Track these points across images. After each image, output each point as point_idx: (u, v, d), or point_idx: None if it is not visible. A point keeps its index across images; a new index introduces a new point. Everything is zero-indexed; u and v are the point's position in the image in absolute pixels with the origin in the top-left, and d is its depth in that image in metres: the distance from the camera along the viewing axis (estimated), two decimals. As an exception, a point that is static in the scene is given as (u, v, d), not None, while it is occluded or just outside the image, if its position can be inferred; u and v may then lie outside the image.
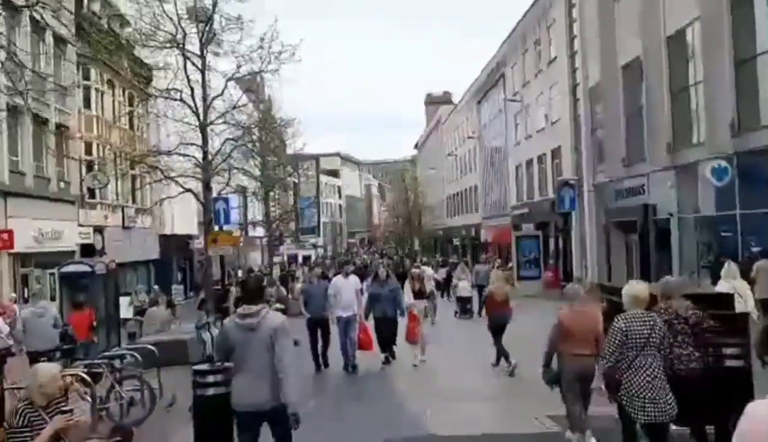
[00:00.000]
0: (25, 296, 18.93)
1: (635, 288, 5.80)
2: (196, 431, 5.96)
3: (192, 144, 14.02)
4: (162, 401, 9.26)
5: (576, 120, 27.99)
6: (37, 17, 19.60)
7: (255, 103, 29.74)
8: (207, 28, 13.34)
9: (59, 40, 22.33)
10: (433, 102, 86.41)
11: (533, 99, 34.08)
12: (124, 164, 21.02)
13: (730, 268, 10.42)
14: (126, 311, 17.55)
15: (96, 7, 25.23)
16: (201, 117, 13.27)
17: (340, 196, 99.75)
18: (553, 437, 7.36)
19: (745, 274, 14.91)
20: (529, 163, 35.46)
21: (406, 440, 7.77)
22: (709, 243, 18.03)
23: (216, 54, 14.69)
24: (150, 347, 10.04)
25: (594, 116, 25.69)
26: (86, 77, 24.58)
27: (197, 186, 14.75)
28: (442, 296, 24.47)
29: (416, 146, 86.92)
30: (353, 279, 12.64)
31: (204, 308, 14.26)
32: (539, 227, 32.44)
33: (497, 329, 11.61)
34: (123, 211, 26.35)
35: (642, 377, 5.35)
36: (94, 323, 16.06)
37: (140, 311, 16.71)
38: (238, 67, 14.37)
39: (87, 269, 14.96)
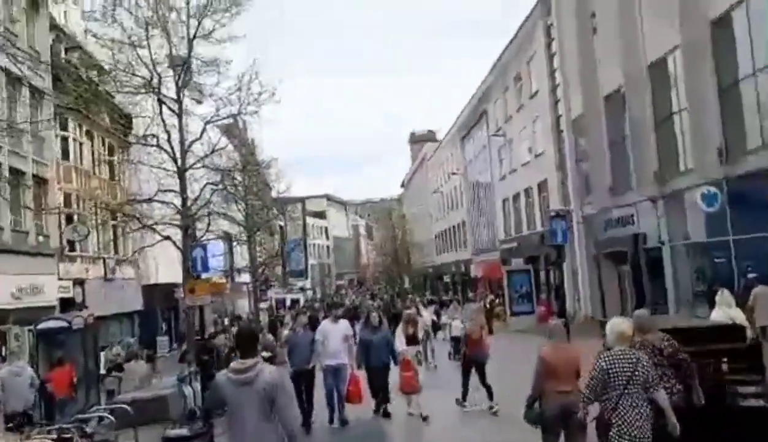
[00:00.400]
0: (3, 354, 18.24)
1: (619, 325, 5.71)
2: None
3: (170, 190, 13.59)
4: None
5: (560, 152, 27.93)
6: (13, 69, 19.38)
7: (237, 147, 29.51)
8: (183, 72, 13.02)
9: (35, 91, 22.02)
10: (417, 141, 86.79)
11: (516, 133, 34.08)
12: (104, 215, 20.52)
13: (723, 295, 10.22)
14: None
15: (74, 57, 24.97)
16: (179, 162, 12.86)
17: (327, 238, 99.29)
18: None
19: (743, 300, 14.66)
20: (516, 197, 35.31)
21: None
22: (703, 271, 17.73)
23: (194, 100, 14.40)
24: (125, 406, 9.43)
25: (578, 148, 25.60)
26: (64, 128, 24.21)
27: (178, 233, 14.31)
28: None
29: (402, 185, 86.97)
30: (343, 324, 11.61)
31: (186, 359, 13.65)
32: (529, 261, 32.10)
33: (476, 368, 11.58)
34: (104, 262, 25.74)
35: (629, 416, 5.30)
36: (75, 380, 15.46)
37: (115, 366, 16.04)
38: (217, 110, 14.07)
39: (64, 324, 14.36)
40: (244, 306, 44.45)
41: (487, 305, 29.27)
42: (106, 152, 26.63)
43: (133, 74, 12.87)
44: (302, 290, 70.77)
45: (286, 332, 14.59)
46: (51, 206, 22.11)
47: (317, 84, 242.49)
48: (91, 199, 22.60)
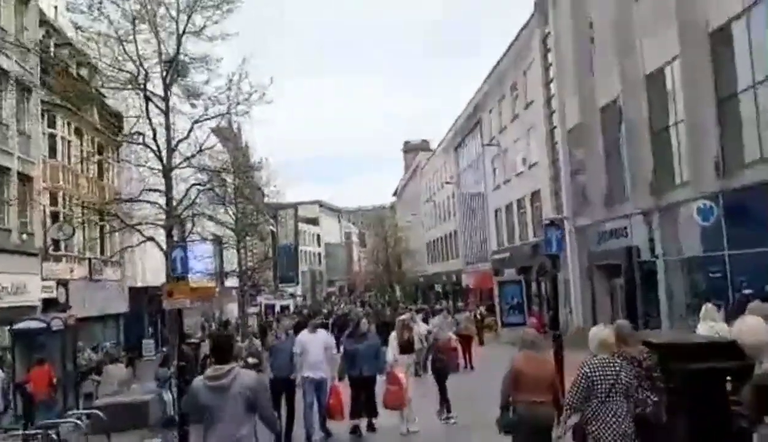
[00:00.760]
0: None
1: (600, 333, 5.70)
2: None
3: (156, 190, 13.23)
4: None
5: (555, 163, 27.71)
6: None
7: (231, 151, 29.16)
8: (170, 69, 12.68)
9: (23, 87, 21.65)
10: (410, 150, 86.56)
11: (511, 143, 33.86)
12: (91, 214, 20.10)
13: (707, 310, 9.94)
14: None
15: (63, 53, 24.58)
16: (165, 161, 12.50)
17: (319, 244, 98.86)
18: None
19: (737, 316, 14.41)
20: (509, 207, 35.07)
21: None
22: (698, 285, 17.45)
23: (186, 97, 14.06)
24: (97, 411, 9.04)
25: (573, 159, 25.37)
26: (52, 125, 23.80)
27: (164, 235, 13.92)
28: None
29: (395, 193, 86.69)
30: (322, 334, 10.90)
31: (167, 365, 13.25)
32: (521, 272, 31.84)
33: (439, 377, 11.54)
34: (90, 263, 25.27)
35: (609, 425, 5.25)
36: (54, 380, 15.05)
37: (89, 370, 15.60)
38: (206, 109, 13.72)
39: (42, 325, 13.95)
40: (233, 311, 43.96)
41: (478, 316, 28.94)
42: (95, 151, 26.18)
43: (119, 69, 12.52)
44: (293, 296, 70.33)
45: (256, 341, 14.01)
46: (36, 204, 21.69)
47: (313, 87, 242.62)
48: (78, 199, 22.17)
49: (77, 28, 12.95)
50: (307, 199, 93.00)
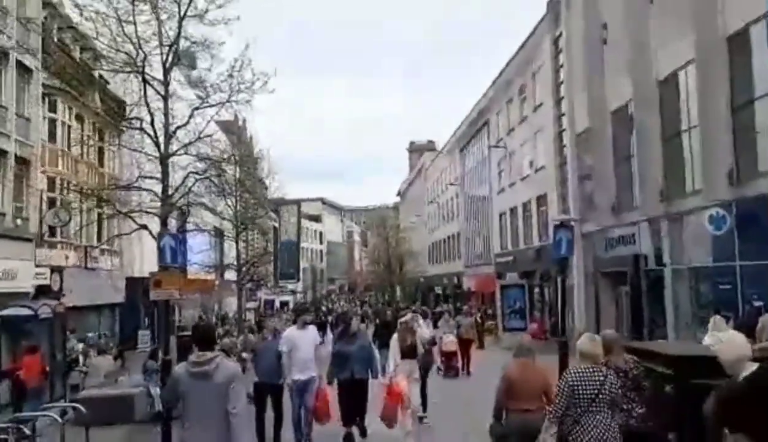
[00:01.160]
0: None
1: (585, 343, 5.66)
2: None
3: (152, 177, 12.81)
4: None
5: (562, 167, 27.27)
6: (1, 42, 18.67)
7: (236, 145, 28.76)
8: (171, 53, 12.27)
9: (24, 69, 21.28)
10: (416, 150, 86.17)
11: (517, 146, 33.44)
12: (89, 201, 19.69)
13: (715, 322, 10.23)
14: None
15: (66, 37, 24.23)
16: (162, 148, 12.09)
17: (321, 242, 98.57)
18: None
19: (749, 329, 13.95)
20: (514, 210, 34.63)
21: None
22: (706, 296, 16.98)
23: (182, 83, 13.66)
24: (77, 405, 8.62)
25: (581, 163, 24.92)
26: (52, 109, 23.41)
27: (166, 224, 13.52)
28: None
29: (399, 194, 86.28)
30: (312, 331, 9.97)
31: (156, 357, 12.82)
32: (524, 276, 31.42)
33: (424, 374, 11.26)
34: (86, 251, 24.87)
35: (590, 434, 5.21)
36: (47, 368, 14.67)
37: (72, 361, 15.19)
38: (207, 96, 13.28)
39: (29, 312, 13.55)
40: (232, 305, 43.60)
41: (479, 319, 28.50)
42: (96, 137, 25.78)
43: (117, 50, 12.11)
44: (293, 292, 69.95)
45: (251, 337, 13.17)
46: (33, 189, 21.31)
47: (317, 86, 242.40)
48: (77, 185, 21.76)
49: (76, 5, 12.48)
50: (310, 197, 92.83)
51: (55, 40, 23.43)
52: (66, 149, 23.77)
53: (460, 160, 48.96)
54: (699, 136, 16.62)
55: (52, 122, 23.49)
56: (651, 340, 17.02)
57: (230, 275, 33.96)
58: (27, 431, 7.55)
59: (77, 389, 13.54)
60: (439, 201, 57.66)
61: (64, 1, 22.22)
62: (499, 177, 37.42)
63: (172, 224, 14.40)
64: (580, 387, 5.35)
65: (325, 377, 9.79)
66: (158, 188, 12.49)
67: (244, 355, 12.64)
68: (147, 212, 12.81)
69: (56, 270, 21.89)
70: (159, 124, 12.33)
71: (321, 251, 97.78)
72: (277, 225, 69.22)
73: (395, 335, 10.53)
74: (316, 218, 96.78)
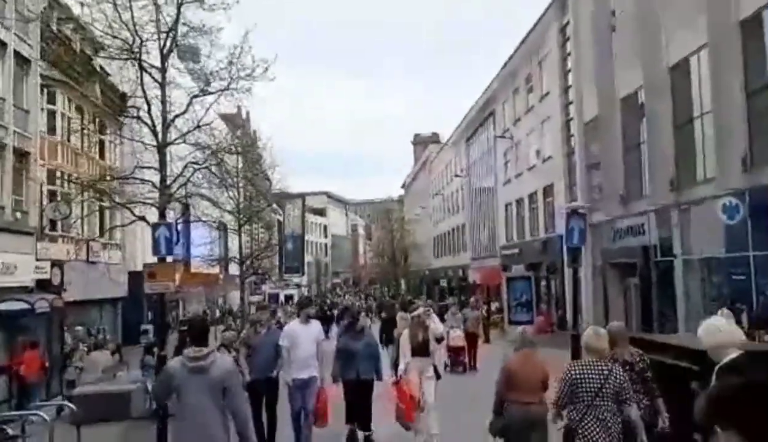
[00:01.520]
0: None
1: (589, 336, 5.59)
2: None
3: (149, 167, 12.46)
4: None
5: (569, 156, 26.84)
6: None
7: (241, 138, 28.43)
8: (169, 39, 11.90)
9: (22, 59, 20.95)
10: (420, 142, 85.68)
11: (524, 136, 33.00)
12: (89, 193, 19.34)
13: (723, 314, 10.14)
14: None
15: (67, 28, 23.87)
16: (159, 137, 11.74)
17: (326, 236, 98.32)
18: None
19: (760, 321, 13.57)
20: (520, 201, 34.21)
21: None
22: (718, 287, 16.58)
23: (180, 70, 13.31)
24: (66, 403, 8.30)
25: (589, 152, 24.48)
26: (51, 101, 23.07)
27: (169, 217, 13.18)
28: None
29: (404, 186, 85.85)
30: (315, 327, 9.05)
31: (152, 354, 12.47)
32: (530, 268, 31.03)
33: None
34: (87, 244, 24.57)
35: (594, 429, 5.16)
36: (47, 364, 14.40)
37: (66, 356, 14.88)
38: (206, 83, 12.91)
39: (25, 306, 13.24)
40: (236, 298, 43.34)
41: (484, 313, 28.11)
42: (97, 129, 25.44)
43: (114, 36, 11.74)
44: (298, 286, 69.73)
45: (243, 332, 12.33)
46: (33, 181, 21.01)
47: (321, 81, 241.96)
48: (77, 177, 21.43)
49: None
50: (314, 190, 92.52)
51: (55, 30, 23.08)
52: (66, 141, 23.45)
53: (465, 151, 48.52)
54: (712, 123, 16.19)
55: (51, 114, 23.15)
56: (661, 333, 16.65)
57: (235, 269, 33.65)
58: (10, 431, 7.22)
59: (73, 386, 13.24)
60: (444, 193, 57.24)
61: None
62: (505, 168, 36.99)
63: (171, 215, 14.01)
64: (582, 381, 5.28)
65: (327, 377, 9.07)
66: (157, 179, 12.13)
67: (223, 352, 11.75)
68: (143, 203, 12.47)
69: (57, 264, 21.59)
70: (157, 113, 11.94)
71: (325, 245, 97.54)
72: (281, 219, 68.98)
73: (405, 332, 9.72)
74: (321, 212, 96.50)
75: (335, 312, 32.20)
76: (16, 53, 20.41)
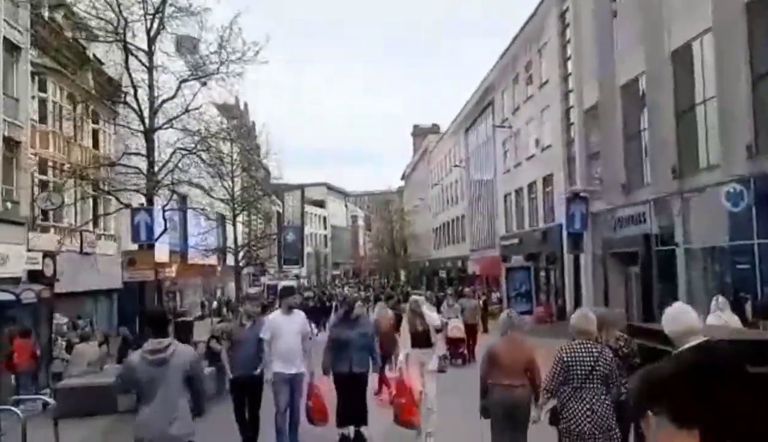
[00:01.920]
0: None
1: (578, 319, 5.62)
2: None
3: (137, 153, 12.11)
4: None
5: (569, 145, 26.46)
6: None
7: (236, 128, 28.01)
8: (155, 19, 11.53)
9: (11, 46, 20.54)
10: (420, 133, 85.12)
11: (523, 124, 32.61)
12: (80, 182, 18.95)
13: (718, 301, 10.13)
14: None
15: (58, 15, 23.43)
16: (147, 122, 11.38)
17: (325, 227, 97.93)
18: None
19: (765, 311, 13.24)
20: (519, 191, 33.86)
21: None
22: (722, 276, 16.24)
23: (170, 55, 12.93)
24: (44, 398, 7.98)
25: (590, 140, 24.11)
26: (42, 89, 22.65)
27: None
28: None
29: (403, 177, 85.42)
30: (298, 318, 8.36)
31: (128, 346, 12.07)
32: (529, 259, 30.70)
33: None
34: (81, 235, 24.20)
35: (582, 410, 5.17)
36: (38, 353, 14.09)
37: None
38: (195, 67, 12.55)
39: (10, 297, 12.91)
40: (234, 289, 43.06)
41: (480, 304, 27.74)
42: (90, 118, 25.01)
43: (99, 18, 11.37)
44: (297, 277, 69.45)
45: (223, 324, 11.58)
46: (24, 171, 20.62)
47: (322, 72, 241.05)
48: (70, 167, 21.05)
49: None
50: (314, 181, 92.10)
51: (46, 16, 22.64)
52: (58, 130, 23.04)
53: (464, 141, 48.11)
54: (715, 109, 15.80)
55: (43, 102, 22.72)
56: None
57: (232, 260, 33.30)
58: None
59: (59, 378, 12.93)
60: (443, 184, 56.87)
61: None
62: (504, 157, 36.62)
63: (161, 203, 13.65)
64: (574, 363, 5.29)
65: (318, 371, 8.37)
66: (145, 166, 11.78)
67: (213, 344, 11.36)
68: (127, 190, 12.13)
69: (49, 255, 21.21)
70: (144, 98, 11.58)
71: (325, 236, 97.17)
72: (280, 210, 68.67)
73: (405, 320, 9.10)
74: (320, 203, 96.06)
75: (334, 303, 31.87)
76: (6, 40, 19.96)
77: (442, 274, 56.46)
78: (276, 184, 40.79)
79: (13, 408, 7.35)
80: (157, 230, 11.51)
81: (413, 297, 9.83)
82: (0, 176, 19.80)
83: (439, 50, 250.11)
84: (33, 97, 22.06)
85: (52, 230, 22.53)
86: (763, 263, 14.29)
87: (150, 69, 11.51)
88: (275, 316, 8.45)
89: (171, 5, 11.78)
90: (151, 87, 11.48)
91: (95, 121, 25.71)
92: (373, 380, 9.25)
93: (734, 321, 9.91)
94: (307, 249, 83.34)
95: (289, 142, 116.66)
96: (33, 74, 21.89)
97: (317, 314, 25.66)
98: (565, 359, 5.34)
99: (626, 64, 20.50)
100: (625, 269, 21.62)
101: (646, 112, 19.61)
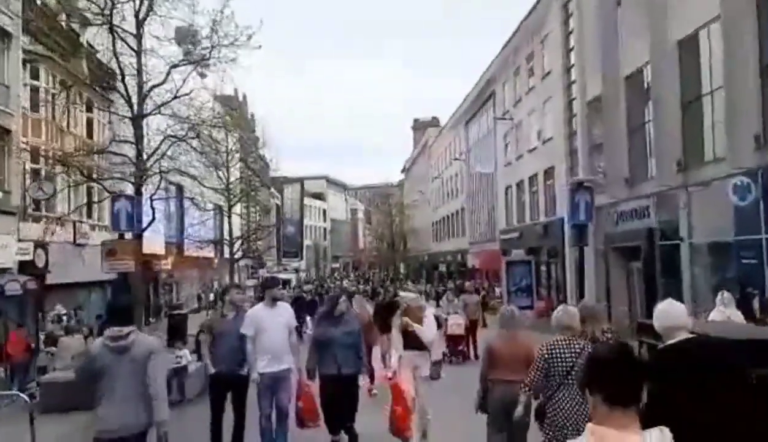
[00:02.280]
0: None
1: (564, 313, 5.59)
2: None
3: (125, 141, 11.71)
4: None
5: (571, 137, 26.03)
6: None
7: (236, 120, 27.59)
8: (143, 2, 11.11)
9: (2, 33, 20.10)
10: (420, 127, 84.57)
11: (524, 116, 32.15)
12: (71, 172, 18.52)
13: (723, 297, 9.97)
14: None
15: (51, 2, 22.93)
16: (135, 108, 10.97)
17: (325, 220, 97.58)
18: None
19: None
20: (520, 184, 33.44)
21: None
22: (729, 272, 15.83)
23: (160, 39, 12.52)
24: (19, 393, 7.61)
25: (592, 132, 23.68)
26: (35, 77, 22.19)
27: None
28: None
29: (403, 171, 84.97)
30: (284, 311, 7.78)
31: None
32: (530, 253, 30.30)
33: None
34: (74, 225, 23.79)
35: (566, 407, 5.10)
36: (32, 345, 13.80)
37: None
38: (186, 52, 12.13)
39: (-6, 288, 12.54)
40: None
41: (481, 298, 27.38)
42: (84, 107, 24.56)
43: (88, -1, 10.98)
44: (296, 270, 69.18)
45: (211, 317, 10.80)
46: (15, 160, 20.19)
47: (324, 66, 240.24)
48: (62, 156, 20.61)
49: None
50: (314, 174, 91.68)
51: (38, 1, 22.16)
52: (51, 119, 22.59)
53: (464, 134, 47.66)
54: (722, 100, 15.38)
55: (35, 90, 22.26)
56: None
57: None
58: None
59: (44, 372, 12.56)
60: (443, 177, 56.46)
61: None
62: (505, 150, 36.20)
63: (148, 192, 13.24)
64: (555, 359, 5.23)
65: (304, 370, 7.67)
66: (134, 153, 11.38)
67: (202, 337, 10.50)
68: (113, 178, 11.74)
69: (41, 246, 20.83)
70: (132, 83, 11.17)
71: (325, 229, 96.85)
72: (279, 203, 68.34)
73: (396, 322, 8.21)
74: (320, 196, 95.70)
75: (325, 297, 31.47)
76: (-4, 25, 19.57)
77: (442, 268, 56.16)
78: (275, 177, 40.38)
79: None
80: (146, 219, 11.16)
81: (406, 295, 8.71)
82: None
83: (439, 47, 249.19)
84: (25, 85, 21.63)
85: (44, 220, 22.11)
86: (771, 258, 13.91)
87: (138, 53, 11.08)
88: (257, 309, 7.81)
89: (160, -13, 11.34)
90: (139, 72, 11.06)
91: (89, 110, 25.26)
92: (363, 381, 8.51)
93: (737, 317, 9.72)
94: (307, 242, 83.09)
95: (289, 136, 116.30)
96: (25, 61, 21.46)
97: (314, 307, 25.27)
98: (546, 355, 5.29)
99: (630, 55, 20.06)
100: (627, 264, 21.23)
101: (650, 104, 19.18)
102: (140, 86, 11.11)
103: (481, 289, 30.78)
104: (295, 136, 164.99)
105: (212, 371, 7.67)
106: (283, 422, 7.49)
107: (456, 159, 49.42)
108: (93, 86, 17.50)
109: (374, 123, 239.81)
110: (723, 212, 15.25)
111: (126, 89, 10.99)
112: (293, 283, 53.48)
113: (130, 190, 12.39)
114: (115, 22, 11.02)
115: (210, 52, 11.97)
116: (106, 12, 10.91)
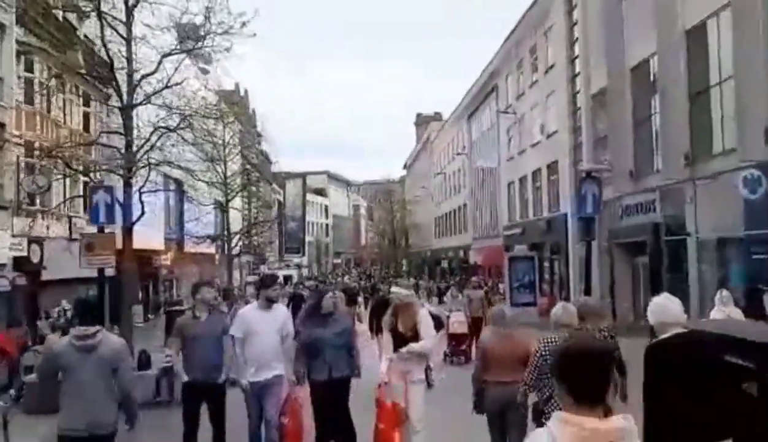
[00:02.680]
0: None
1: (561, 311, 5.56)
2: None
3: (115, 132, 11.34)
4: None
5: (575, 131, 25.58)
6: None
7: (235, 114, 27.18)
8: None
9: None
10: (422, 122, 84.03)
11: (528, 110, 31.72)
12: (60, 164, 18.08)
13: (722, 295, 9.69)
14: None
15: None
16: (125, 98, 10.60)
17: (327, 216, 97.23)
18: None
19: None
20: (523, 179, 33.03)
21: None
22: (737, 268, 15.43)
23: (152, 27, 12.13)
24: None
25: (597, 126, 23.25)
26: (29, 69, 21.79)
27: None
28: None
29: (405, 167, 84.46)
30: (279, 313, 7.17)
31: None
32: (533, 249, 29.89)
33: None
34: (70, 221, 23.41)
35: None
36: (29, 343, 13.50)
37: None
38: (180, 41, 11.74)
39: (-20, 285, 12.19)
40: (234, 278, 42.35)
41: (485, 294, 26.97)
42: (81, 102, 24.17)
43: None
44: (298, 266, 68.78)
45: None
46: (8, 153, 19.83)
47: (326, 63, 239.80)
48: (57, 149, 20.22)
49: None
50: (315, 170, 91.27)
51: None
52: (45, 112, 22.19)
53: (467, 128, 47.21)
54: (732, 90, 14.96)
55: (29, 83, 21.86)
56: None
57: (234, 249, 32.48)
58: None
59: (31, 371, 12.21)
60: (446, 172, 56.02)
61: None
62: (508, 144, 35.77)
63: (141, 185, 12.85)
64: (550, 357, 5.00)
65: (293, 377, 6.99)
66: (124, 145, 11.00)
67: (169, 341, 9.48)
68: (100, 170, 11.37)
69: (35, 241, 20.46)
70: (122, 72, 10.77)
71: (326, 225, 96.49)
72: (281, 198, 67.99)
73: (386, 321, 7.25)
74: (322, 192, 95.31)
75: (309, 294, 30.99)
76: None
77: (444, 264, 55.79)
78: (277, 172, 39.97)
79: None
80: (135, 213, 10.76)
81: (398, 291, 7.70)
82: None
83: (441, 48, 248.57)
84: (19, 77, 21.24)
85: (39, 215, 21.73)
86: (782, 254, 13.51)
87: (129, 41, 10.68)
88: (249, 310, 7.24)
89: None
90: (129, 61, 10.65)
91: (86, 104, 24.86)
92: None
93: (737, 315, 9.35)
94: (309, 238, 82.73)
95: (290, 137, 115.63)
96: (19, 53, 21.06)
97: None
98: (543, 353, 5.25)
99: (636, 45, 19.62)
100: (631, 259, 20.86)
101: (656, 96, 18.74)
102: (130, 76, 10.70)
103: (484, 285, 30.38)
104: (296, 138, 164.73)
105: (185, 378, 6.82)
106: (271, 431, 6.85)
107: (458, 154, 49.01)
108: (86, 77, 16.96)
109: (376, 124, 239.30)
110: (732, 206, 14.82)
111: (115, 79, 10.57)
112: (294, 279, 53.13)
113: (120, 183, 11.98)
114: (105, 9, 10.58)
115: (203, 41, 11.53)
116: (95, -2, 10.51)
